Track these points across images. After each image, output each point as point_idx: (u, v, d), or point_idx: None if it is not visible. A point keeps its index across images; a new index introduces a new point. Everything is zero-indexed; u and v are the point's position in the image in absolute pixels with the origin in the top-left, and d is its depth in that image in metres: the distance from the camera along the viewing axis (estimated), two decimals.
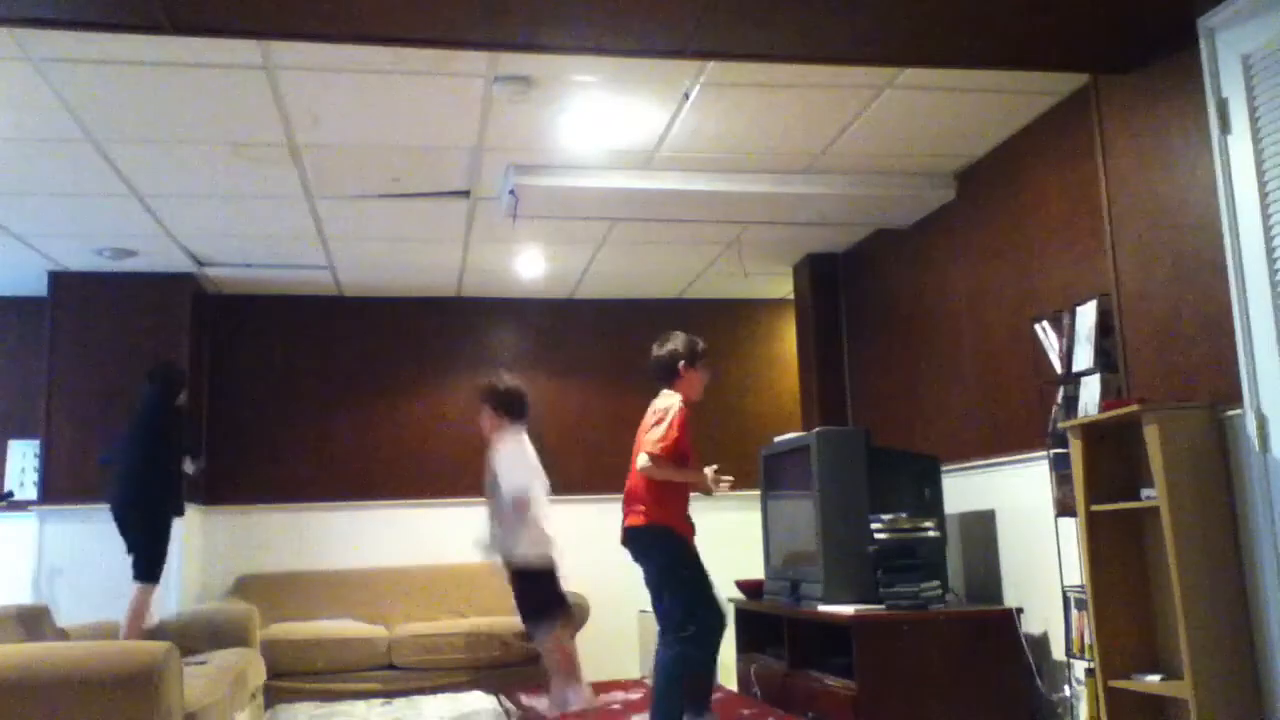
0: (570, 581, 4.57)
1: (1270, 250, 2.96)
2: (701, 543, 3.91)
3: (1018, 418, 4.24)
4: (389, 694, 5.29)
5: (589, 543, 6.38)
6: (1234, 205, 3.07)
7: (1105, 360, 3.63)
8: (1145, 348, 3.47)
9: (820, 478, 4.49)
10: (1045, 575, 3.93)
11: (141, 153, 4.25)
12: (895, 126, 4.23)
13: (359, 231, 5.34)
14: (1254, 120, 3.01)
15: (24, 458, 6.10)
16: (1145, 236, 3.48)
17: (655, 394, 4.03)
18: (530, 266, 6.08)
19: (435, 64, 3.57)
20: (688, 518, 3.90)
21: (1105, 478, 3.43)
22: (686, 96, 3.89)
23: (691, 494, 3.93)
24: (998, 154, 4.47)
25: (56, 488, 5.61)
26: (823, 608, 4.30)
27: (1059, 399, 3.83)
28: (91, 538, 5.43)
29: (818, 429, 4.82)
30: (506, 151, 4.38)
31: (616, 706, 4.76)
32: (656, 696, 3.75)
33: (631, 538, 3.90)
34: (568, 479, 6.62)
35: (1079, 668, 3.62)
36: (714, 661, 3.88)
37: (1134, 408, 3.18)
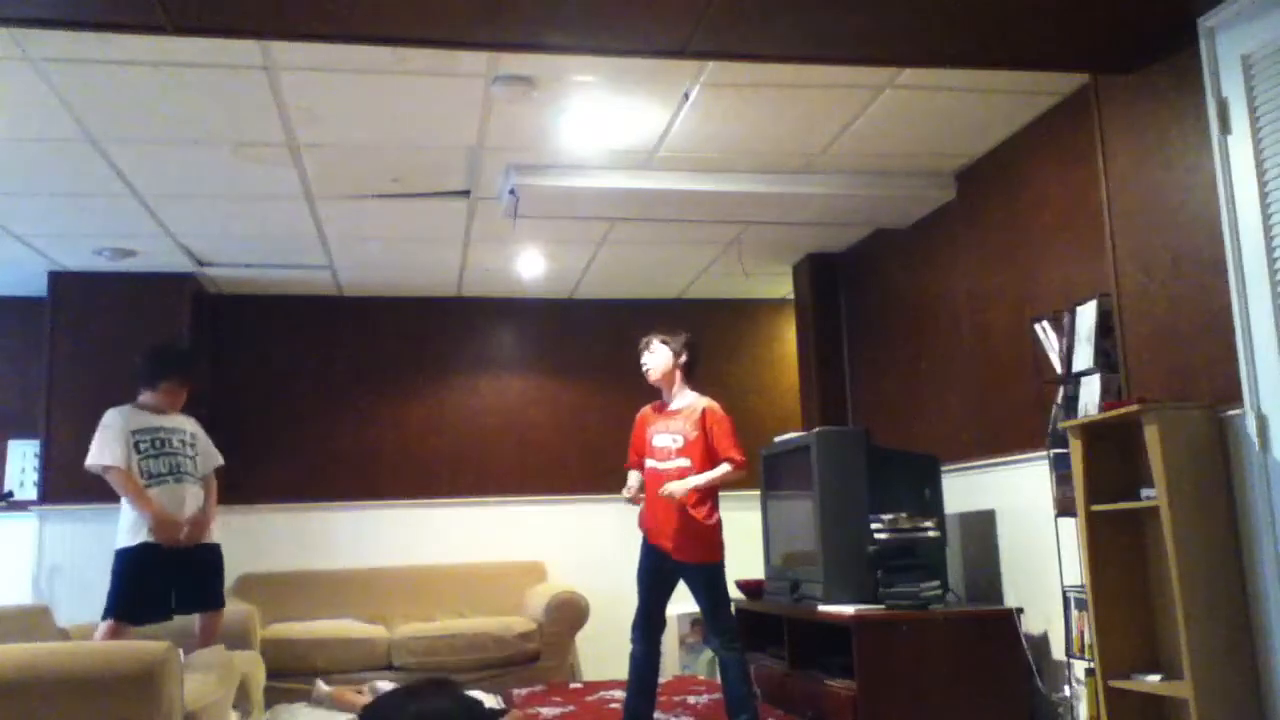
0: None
1: (1270, 250, 2.96)
2: None
3: (1018, 418, 4.24)
4: None
5: (588, 542, 6.40)
6: (1234, 205, 3.07)
7: (1105, 360, 3.62)
8: (1145, 348, 3.46)
9: (820, 478, 4.49)
10: (1045, 575, 3.93)
11: (141, 153, 4.25)
12: (895, 126, 4.23)
13: (359, 231, 5.34)
14: (1254, 120, 3.01)
15: (24, 458, 6.09)
16: (1145, 236, 3.47)
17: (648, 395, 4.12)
18: (530, 266, 6.08)
19: (435, 64, 3.56)
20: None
21: (1105, 478, 3.42)
22: (686, 96, 3.89)
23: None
24: (998, 154, 4.47)
25: (56, 488, 5.60)
26: (823, 608, 4.30)
27: (1059, 399, 3.83)
28: (91, 538, 5.42)
29: (818, 429, 4.82)
30: (506, 151, 4.38)
31: (616, 705, 4.76)
32: (741, 696, 3.84)
33: (702, 572, 3.92)
34: (567, 479, 6.64)
35: (1079, 668, 3.61)
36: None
37: (1134, 408, 3.18)
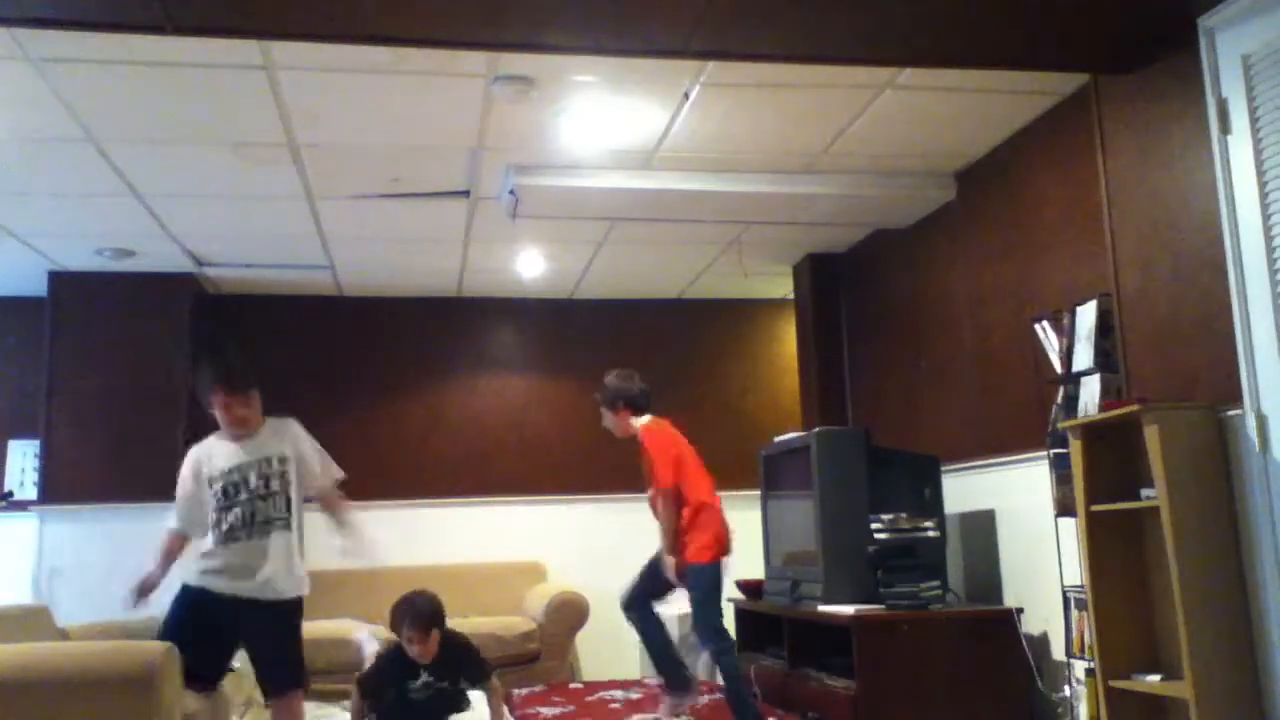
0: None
1: (1270, 250, 2.96)
2: None
3: (1018, 418, 4.24)
4: None
5: (588, 542, 6.40)
6: (1234, 205, 3.07)
7: (1105, 360, 3.62)
8: (1145, 348, 3.47)
9: (820, 478, 4.49)
10: (1045, 575, 3.93)
11: (141, 153, 4.25)
12: (895, 126, 4.23)
13: (359, 231, 5.34)
14: (1254, 120, 3.01)
15: (24, 458, 6.09)
16: (1145, 236, 3.48)
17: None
18: (530, 266, 6.08)
19: (435, 64, 3.57)
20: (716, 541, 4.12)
21: (1105, 478, 3.42)
22: (686, 96, 3.89)
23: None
24: (998, 154, 4.47)
25: (56, 488, 5.61)
26: (823, 608, 4.30)
27: (1059, 399, 3.83)
28: (91, 538, 5.43)
29: (818, 429, 4.82)
30: (506, 151, 4.38)
31: (616, 705, 4.76)
32: (736, 696, 3.99)
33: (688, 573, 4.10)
34: (567, 479, 6.63)
35: (1079, 668, 3.61)
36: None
37: (1134, 408, 3.18)
